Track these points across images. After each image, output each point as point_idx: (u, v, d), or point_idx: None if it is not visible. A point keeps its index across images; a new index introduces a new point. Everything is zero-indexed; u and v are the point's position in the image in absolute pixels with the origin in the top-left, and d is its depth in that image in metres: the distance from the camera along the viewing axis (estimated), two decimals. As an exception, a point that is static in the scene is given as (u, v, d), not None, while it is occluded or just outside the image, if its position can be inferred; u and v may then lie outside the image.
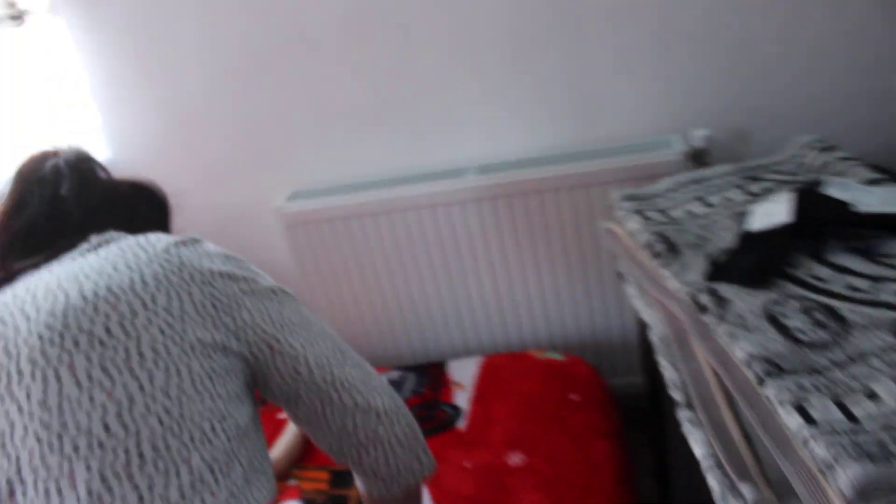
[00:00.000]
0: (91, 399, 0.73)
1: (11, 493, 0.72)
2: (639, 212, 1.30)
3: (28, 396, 0.74)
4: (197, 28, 1.89)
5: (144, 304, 0.78)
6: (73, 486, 0.71)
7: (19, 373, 0.74)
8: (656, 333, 1.09)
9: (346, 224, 1.91)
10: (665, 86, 1.76)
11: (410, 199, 1.85)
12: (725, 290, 0.96)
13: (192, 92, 1.98)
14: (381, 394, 0.88)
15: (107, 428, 0.73)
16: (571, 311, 1.89)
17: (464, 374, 1.79)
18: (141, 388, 0.75)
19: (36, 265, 0.86)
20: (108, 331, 0.76)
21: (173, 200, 1.06)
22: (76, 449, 0.72)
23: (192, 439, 0.75)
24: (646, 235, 1.20)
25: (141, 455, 0.73)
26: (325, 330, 0.90)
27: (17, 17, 1.88)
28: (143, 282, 0.80)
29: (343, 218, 1.91)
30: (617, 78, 1.77)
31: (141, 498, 0.71)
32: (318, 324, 0.90)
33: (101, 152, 2.10)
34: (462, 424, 1.62)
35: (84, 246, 0.87)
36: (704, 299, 0.95)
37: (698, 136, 1.73)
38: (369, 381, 0.89)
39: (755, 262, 0.97)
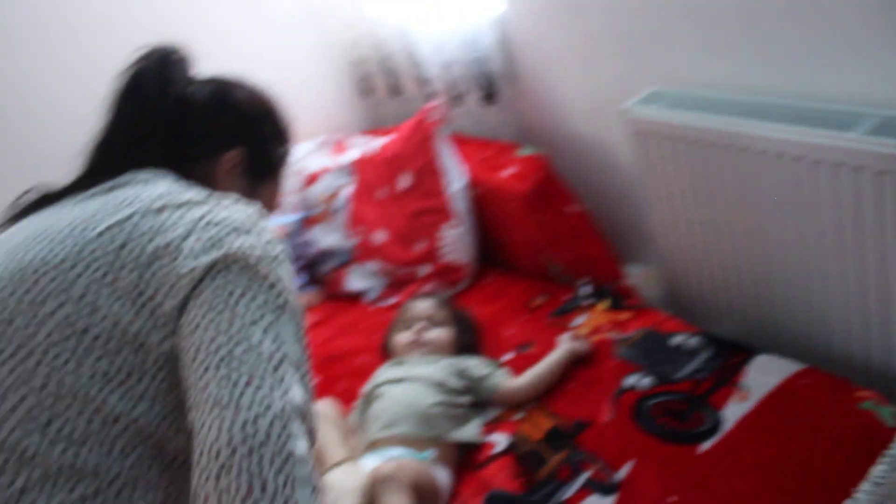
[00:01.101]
0: None
1: None
2: None
3: None
4: None
5: (61, 290, 0.75)
6: None
7: None
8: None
9: (698, 149, 1.54)
10: None
11: (778, 143, 1.39)
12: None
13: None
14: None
15: None
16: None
17: (759, 381, 1.39)
18: (23, 381, 0.73)
19: (62, 196, 0.88)
20: (17, 313, 0.75)
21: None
22: None
23: (56, 439, 0.72)
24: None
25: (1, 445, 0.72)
26: (285, 356, 0.74)
27: None
28: (74, 262, 0.76)
29: (696, 141, 1.54)
30: None
31: None
32: (283, 348, 0.74)
33: (498, 4, 2.01)
34: (706, 447, 1.29)
35: (101, 186, 0.86)
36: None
37: None
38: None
39: None
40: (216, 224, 0.79)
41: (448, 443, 1.42)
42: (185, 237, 0.77)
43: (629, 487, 1.25)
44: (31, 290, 0.76)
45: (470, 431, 1.47)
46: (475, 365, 1.60)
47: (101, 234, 0.78)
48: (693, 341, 1.55)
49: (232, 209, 0.83)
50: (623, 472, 1.28)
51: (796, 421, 1.29)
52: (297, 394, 0.72)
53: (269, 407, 0.69)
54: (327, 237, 2.24)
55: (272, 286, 0.77)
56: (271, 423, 0.68)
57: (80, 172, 0.94)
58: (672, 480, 1.24)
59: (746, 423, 1.31)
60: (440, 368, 1.57)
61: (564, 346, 1.61)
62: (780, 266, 1.52)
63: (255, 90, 1.06)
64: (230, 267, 0.76)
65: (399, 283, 2.07)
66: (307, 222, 2.28)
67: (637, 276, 1.90)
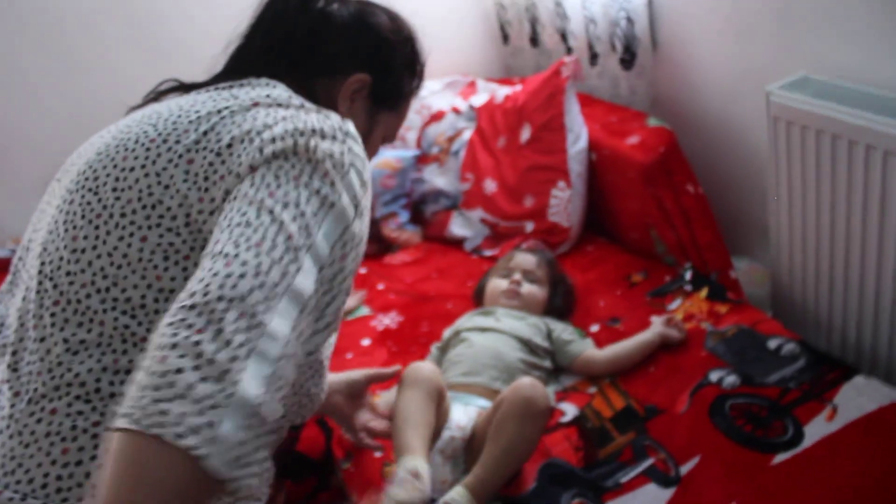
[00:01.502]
0: (62, 239, 0.79)
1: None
2: None
3: (47, 216, 0.84)
4: None
5: (143, 164, 0.78)
6: (13, 304, 0.83)
7: (60, 193, 0.85)
8: None
9: (838, 144, 1.43)
10: None
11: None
12: None
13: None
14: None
15: (58, 267, 0.78)
16: None
17: (853, 403, 1.30)
18: (94, 246, 0.77)
19: (189, 90, 0.93)
20: (104, 183, 0.79)
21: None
22: (31, 276, 0.81)
23: (114, 306, 0.75)
24: None
25: (67, 301, 0.76)
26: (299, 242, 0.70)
27: None
28: (165, 138, 0.79)
29: (837, 137, 1.43)
30: None
31: (42, 338, 0.76)
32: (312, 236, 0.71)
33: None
34: (781, 458, 1.23)
35: (222, 84, 0.89)
36: None
37: None
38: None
39: None
40: (299, 123, 0.78)
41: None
42: (263, 129, 0.77)
43: (690, 483, 1.22)
44: (120, 163, 0.80)
45: (544, 395, 1.46)
46: (561, 329, 1.59)
47: (194, 119, 0.81)
48: (790, 348, 1.47)
49: (322, 117, 0.81)
50: (687, 467, 1.25)
51: (888, 451, 1.20)
52: (304, 283, 0.68)
53: (262, 273, 0.64)
54: (439, 178, 2.24)
55: (331, 184, 0.74)
56: (258, 287, 0.63)
57: (216, 74, 0.98)
58: (737, 485, 1.20)
59: (830, 442, 1.24)
60: (528, 326, 1.56)
61: (657, 329, 1.55)
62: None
63: (398, 18, 1.05)
64: (297, 155, 0.75)
65: (501, 235, 2.06)
66: (422, 160, 2.29)
67: (744, 270, 1.81)
